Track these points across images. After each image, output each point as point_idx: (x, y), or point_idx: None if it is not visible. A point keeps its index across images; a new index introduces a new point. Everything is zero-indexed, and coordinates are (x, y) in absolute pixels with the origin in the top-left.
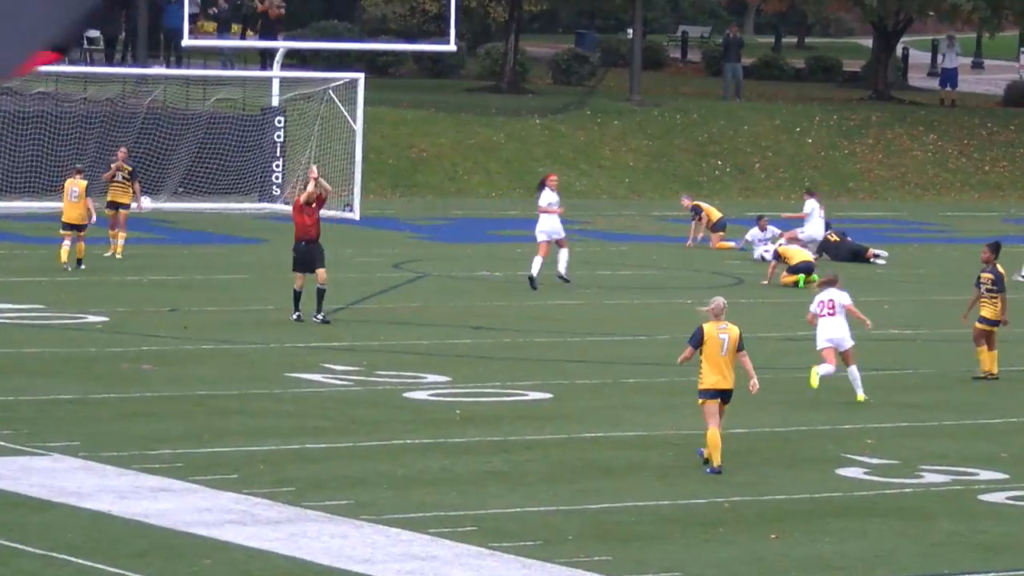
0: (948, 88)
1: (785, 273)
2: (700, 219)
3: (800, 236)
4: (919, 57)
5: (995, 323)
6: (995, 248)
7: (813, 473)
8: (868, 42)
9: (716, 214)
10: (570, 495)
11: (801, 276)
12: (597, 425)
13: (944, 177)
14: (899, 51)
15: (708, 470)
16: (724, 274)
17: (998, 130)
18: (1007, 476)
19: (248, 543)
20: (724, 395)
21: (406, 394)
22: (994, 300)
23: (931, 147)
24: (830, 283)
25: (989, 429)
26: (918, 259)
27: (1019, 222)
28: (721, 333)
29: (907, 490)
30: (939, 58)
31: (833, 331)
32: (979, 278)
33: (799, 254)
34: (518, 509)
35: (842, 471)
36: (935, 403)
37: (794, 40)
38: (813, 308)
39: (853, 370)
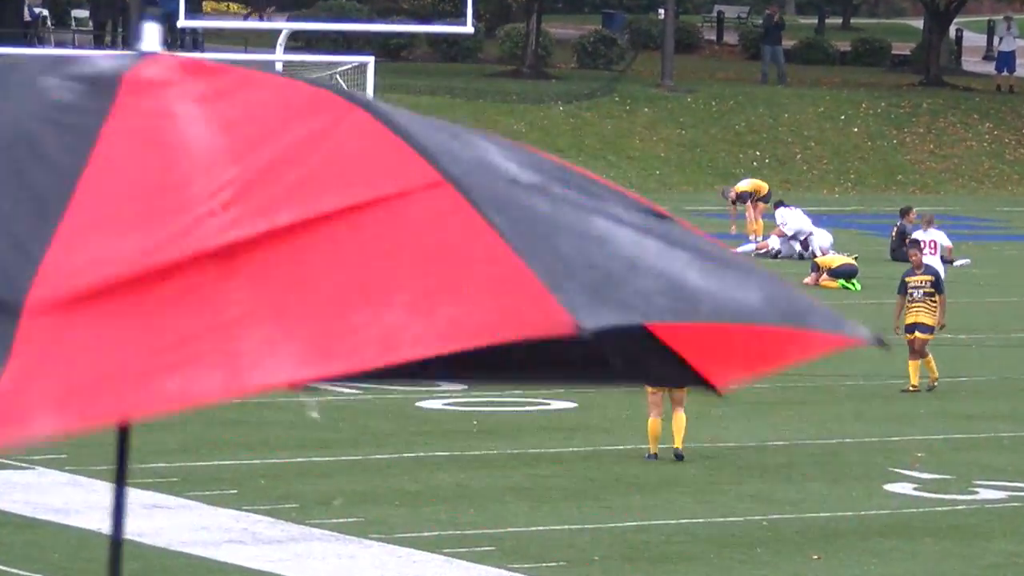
0: (1005, 73)
1: (826, 277)
2: (754, 206)
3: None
4: (974, 39)
5: (932, 330)
6: (917, 245)
7: (859, 489)
8: (919, 23)
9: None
10: (596, 512)
11: (854, 281)
12: (626, 437)
13: (1001, 169)
14: (952, 33)
15: (647, 455)
16: None
17: None
18: None
19: (248, 564)
20: None
21: (419, 403)
22: (933, 305)
23: (987, 136)
24: (930, 223)
25: None
26: (972, 257)
27: None
28: None
29: (960, 507)
30: (995, 40)
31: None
32: (905, 282)
33: (838, 259)
34: (540, 528)
35: (890, 487)
36: (991, 413)
37: (839, 21)
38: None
39: None
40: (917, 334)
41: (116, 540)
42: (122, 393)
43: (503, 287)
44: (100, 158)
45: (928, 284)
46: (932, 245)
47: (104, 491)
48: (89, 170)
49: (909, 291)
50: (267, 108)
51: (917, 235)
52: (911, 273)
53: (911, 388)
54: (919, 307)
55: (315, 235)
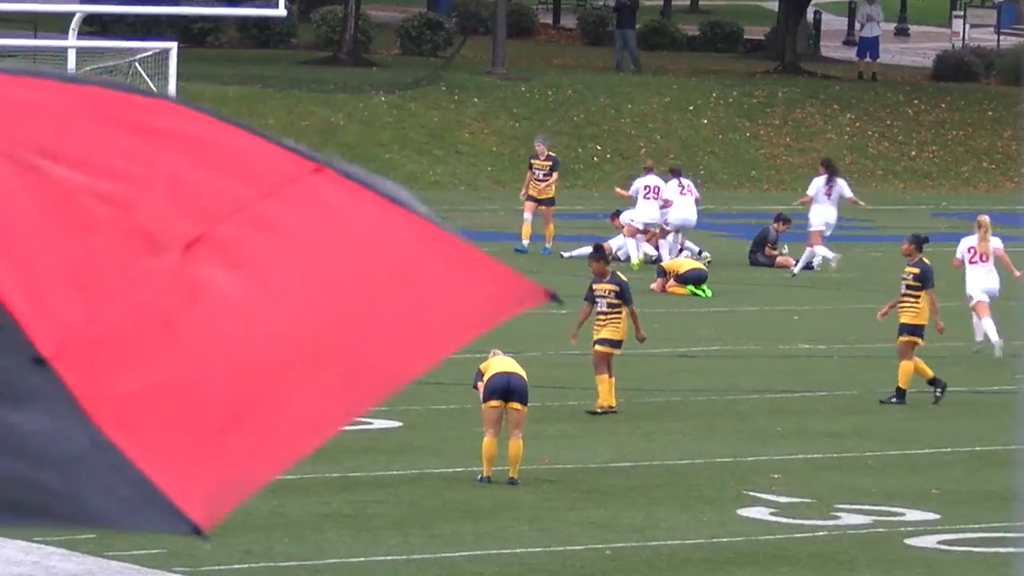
0: (868, 59)
1: (673, 283)
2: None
3: (667, 226)
4: (833, 23)
5: (617, 344)
6: (600, 253)
7: (711, 514)
8: (773, 5)
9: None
10: (423, 542)
11: (703, 287)
12: (455, 459)
13: (863, 164)
14: (810, 15)
15: (478, 478)
16: None
17: (926, 109)
18: (938, 516)
19: None
20: (513, 392)
21: None
22: (617, 317)
23: (848, 129)
24: (646, 169)
25: (917, 461)
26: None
27: (952, 217)
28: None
29: (821, 533)
30: (857, 24)
31: (650, 213)
32: (592, 289)
33: (686, 263)
34: (362, 558)
35: (745, 511)
36: (854, 430)
37: (686, 3)
38: (634, 189)
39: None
40: (597, 347)
41: None
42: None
43: (462, 266)
44: None
45: (613, 295)
46: (656, 190)
47: None
48: None
49: (596, 300)
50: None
51: (646, 179)
52: (598, 280)
53: (598, 408)
54: (602, 320)
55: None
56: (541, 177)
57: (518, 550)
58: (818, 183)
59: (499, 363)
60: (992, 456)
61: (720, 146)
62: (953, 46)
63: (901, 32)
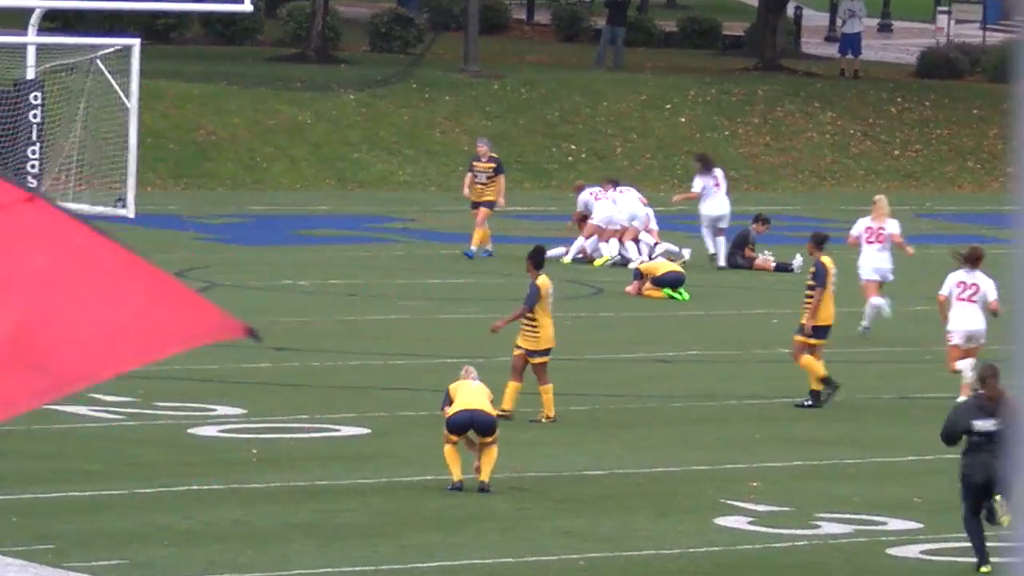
0: (850, 56)
1: (650, 286)
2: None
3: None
4: (815, 18)
5: (544, 352)
6: (537, 259)
7: (688, 523)
8: (753, 0)
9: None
10: (393, 552)
11: (681, 290)
12: (425, 467)
13: (845, 164)
14: (790, 11)
15: (449, 486)
16: (580, 283)
17: (910, 107)
18: (920, 526)
19: None
20: (479, 425)
21: (191, 430)
22: (530, 320)
23: (829, 127)
24: (577, 188)
25: (899, 469)
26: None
27: (936, 218)
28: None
29: (801, 543)
30: (838, 20)
31: (605, 213)
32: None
33: (664, 266)
34: (329, 569)
35: (722, 520)
36: (834, 438)
37: None
38: (582, 202)
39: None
40: (515, 352)
41: None
42: None
43: (163, 295)
44: None
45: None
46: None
47: None
48: None
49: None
50: None
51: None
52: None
53: (502, 411)
54: (524, 327)
55: None
56: (484, 180)
57: (489, 560)
58: (701, 180)
59: (466, 394)
60: None
61: (698, 145)
62: (938, 42)
63: (884, 28)
